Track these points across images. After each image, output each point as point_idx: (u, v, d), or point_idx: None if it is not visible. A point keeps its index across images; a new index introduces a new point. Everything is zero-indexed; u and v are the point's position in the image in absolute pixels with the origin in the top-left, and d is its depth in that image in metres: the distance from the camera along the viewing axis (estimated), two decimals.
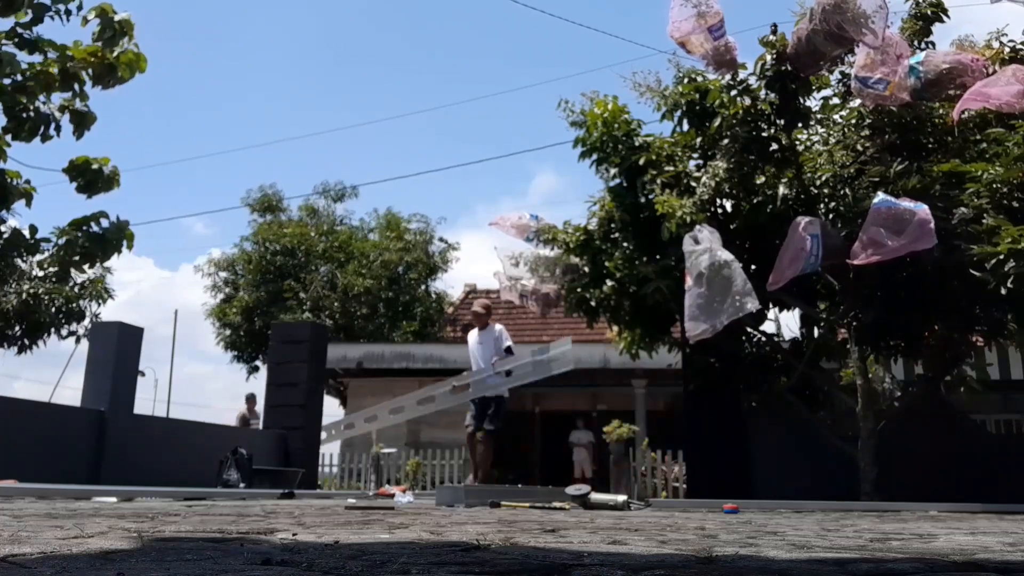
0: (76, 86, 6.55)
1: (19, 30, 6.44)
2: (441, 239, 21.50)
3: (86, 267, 7.46)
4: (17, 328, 13.11)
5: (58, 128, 6.58)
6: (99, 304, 13.76)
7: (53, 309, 13.05)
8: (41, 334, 13.30)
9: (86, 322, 13.42)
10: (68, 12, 6.51)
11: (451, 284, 23.02)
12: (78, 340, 13.40)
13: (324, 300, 19.34)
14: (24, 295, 12.66)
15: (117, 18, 6.44)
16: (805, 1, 6.26)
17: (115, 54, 6.49)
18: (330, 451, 14.01)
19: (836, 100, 7.37)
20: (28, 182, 6.77)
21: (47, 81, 6.41)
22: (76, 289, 13.48)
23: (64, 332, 13.53)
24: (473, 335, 7.11)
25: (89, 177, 6.70)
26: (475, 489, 5.33)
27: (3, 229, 7.11)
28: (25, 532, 1.71)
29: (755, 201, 6.87)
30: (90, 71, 6.49)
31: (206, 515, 2.53)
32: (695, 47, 6.37)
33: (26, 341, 13.30)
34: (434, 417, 16.01)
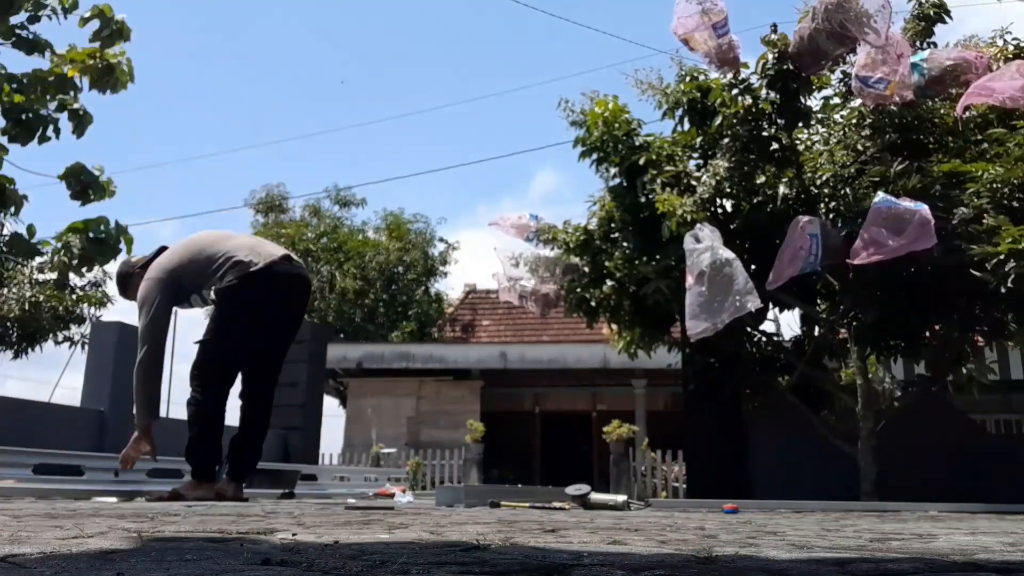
0: (71, 91, 6.57)
1: (17, 30, 6.46)
2: (441, 239, 21.51)
3: (84, 270, 7.49)
4: (16, 333, 13.14)
5: (57, 131, 6.60)
6: (98, 309, 13.81)
7: (53, 316, 13.08)
8: (40, 339, 13.34)
9: (84, 328, 13.46)
10: (66, 11, 6.52)
11: (451, 286, 23.00)
12: (72, 345, 13.43)
13: (321, 301, 19.34)
14: (25, 303, 12.70)
15: (117, 17, 6.47)
16: (808, 0, 6.26)
17: (111, 54, 6.51)
18: (330, 451, 14.02)
19: (837, 100, 7.37)
20: (16, 191, 6.78)
21: (43, 85, 6.43)
22: (75, 296, 13.52)
23: (60, 337, 13.57)
24: None
25: (84, 184, 6.72)
26: (475, 489, 5.33)
27: (4, 234, 7.13)
28: (25, 532, 1.71)
29: (755, 201, 6.87)
30: (88, 74, 6.51)
31: (206, 515, 2.53)
32: (698, 44, 6.37)
33: (23, 345, 13.33)
34: (434, 417, 16.06)
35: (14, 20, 6.33)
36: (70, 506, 3.02)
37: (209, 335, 4.02)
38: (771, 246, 6.35)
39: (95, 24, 6.48)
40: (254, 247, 4.08)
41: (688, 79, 7.47)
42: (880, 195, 5.64)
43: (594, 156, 7.93)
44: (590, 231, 8.11)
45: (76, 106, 6.62)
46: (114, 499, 3.96)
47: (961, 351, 7.02)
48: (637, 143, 7.72)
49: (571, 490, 4.99)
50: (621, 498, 4.97)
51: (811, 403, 7.76)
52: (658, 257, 7.35)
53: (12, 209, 6.68)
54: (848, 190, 6.40)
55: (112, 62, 6.51)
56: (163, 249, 4.32)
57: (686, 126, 7.66)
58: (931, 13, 6.80)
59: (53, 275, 11.93)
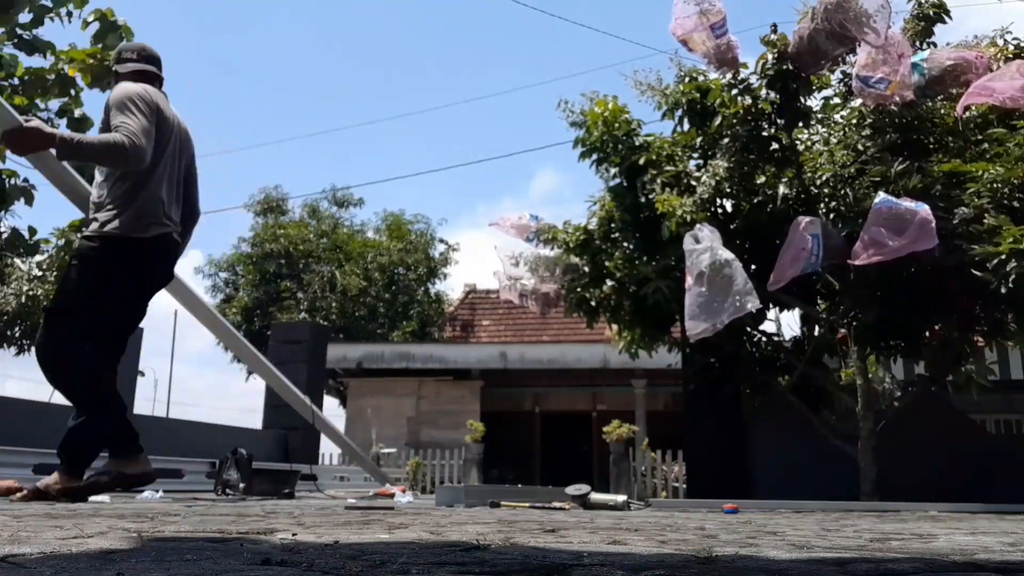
0: (72, 91, 6.58)
1: (19, 31, 6.47)
2: (442, 240, 21.53)
3: None
4: (16, 329, 13.13)
5: None
6: None
7: None
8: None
9: None
10: (69, 14, 6.54)
11: (451, 286, 23.04)
12: None
13: (322, 301, 19.35)
14: (23, 296, 12.69)
15: (119, 22, 6.48)
16: (808, 0, 6.26)
17: (112, 55, 6.52)
18: (330, 451, 14.00)
19: (837, 100, 7.37)
20: (26, 180, 6.79)
21: (43, 85, 6.44)
22: None
23: None
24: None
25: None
26: (475, 489, 5.32)
27: (2, 230, 7.14)
28: (25, 532, 1.71)
29: (755, 201, 6.87)
30: (88, 73, 6.51)
31: (206, 515, 2.53)
32: (697, 45, 6.37)
33: (25, 343, 13.32)
34: (434, 417, 16.06)
35: (19, 19, 6.34)
36: (70, 506, 3.02)
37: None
38: (771, 246, 6.35)
39: (97, 27, 6.49)
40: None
41: (687, 79, 7.47)
42: (881, 195, 5.64)
43: (594, 156, 7.93)
44: (590, 231, 8.10)
45: (77, 114, 6.63)
46: (107, 497, 3.95)
47: (961, 351, 7.02)
48: (637, 143, 7.71)
49: (571, 490, 4.99)
50: (621, 498, 4.97)
51: (811, 403, 7.76)
52: (658, 257, 7.35)
53: (22, 200, 6.68)
54: (848, 190, 6.40)
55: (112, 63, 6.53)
56: (156, 74, 3.79)
57: (686, 126, 7.66)
58: (931, 13, 6.80)
59: (53, 272, 11.93)
